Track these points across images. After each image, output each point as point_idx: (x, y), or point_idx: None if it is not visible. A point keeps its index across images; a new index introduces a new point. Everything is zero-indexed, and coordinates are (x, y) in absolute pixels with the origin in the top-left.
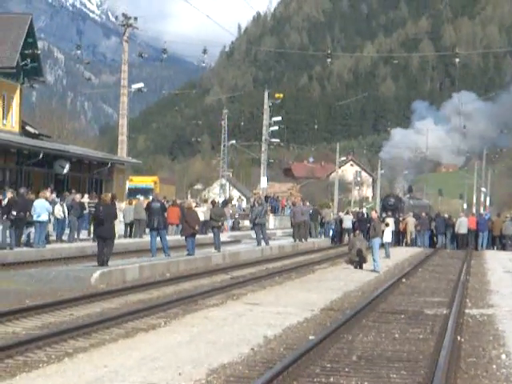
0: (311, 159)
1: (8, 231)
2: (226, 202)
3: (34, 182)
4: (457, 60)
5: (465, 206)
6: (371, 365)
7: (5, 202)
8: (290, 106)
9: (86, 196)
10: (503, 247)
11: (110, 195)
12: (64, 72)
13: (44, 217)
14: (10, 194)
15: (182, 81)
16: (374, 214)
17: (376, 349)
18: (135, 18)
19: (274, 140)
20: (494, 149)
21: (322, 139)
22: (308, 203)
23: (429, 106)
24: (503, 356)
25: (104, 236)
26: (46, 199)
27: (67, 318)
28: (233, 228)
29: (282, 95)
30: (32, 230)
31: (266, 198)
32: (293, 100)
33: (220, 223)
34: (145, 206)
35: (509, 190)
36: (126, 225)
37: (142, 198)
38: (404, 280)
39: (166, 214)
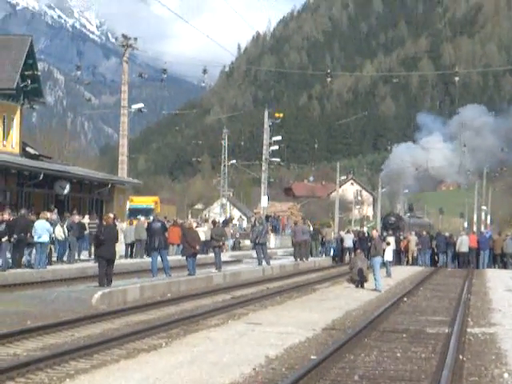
0: (311, 178)
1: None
2: (227, 222)
3: (35, 202)
4: (456, 78)
5: (465, 224)
6: None
7: (3, 223)
8: (290, 125)
9: (87, 217)
10: (504, 266)
11: (112, 216)
12: (64, 93)
13: (45, 238)
14: (6, 216)
15: (182, 101)
16: (374, 233)
17: (378, 368)
18: (135, 39)
19: (274, 159)
20: (500, 165)
21: (322, 158)
22: (309, 222)
23: (435, 119)
24: (505, 375)
25: (106, 256)
26: (47, 220)
27: (68, 339)
28: (234, 248)
29: (281, 114)
30: (33, 250)
31: (267, 217)
32: (293, 119)
33: (221, 243)
34: (145, 226)
35: (509, 209)
36: (127, 245)
37: (142, 218)
38: (405, 299)
39: (166, 234)
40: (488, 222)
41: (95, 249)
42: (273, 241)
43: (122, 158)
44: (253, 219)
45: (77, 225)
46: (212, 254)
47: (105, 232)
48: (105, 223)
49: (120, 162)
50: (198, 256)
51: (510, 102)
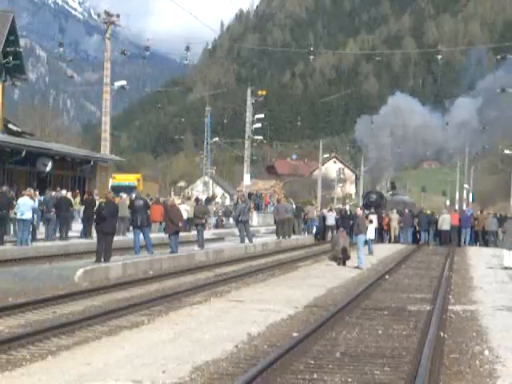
0: (294, 156)
1: None
2: (210, 200)
3: (17, 180)
4: (439, 57)
5: (448, 202)
6: (355, 361)
7: None
8: (273, 103)
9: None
10: (486, 243)
11: (112, 192)
12: (46, 70)
13: (28, 215)
14: None
15: (164, 78)
16: (358, 211)
17: (359, 345)
18: (117, 16)
19: (257, 137)
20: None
21: (305, 136)
22: (291, 200)
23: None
24: (486, 352)
25: (106, 231)
26: (31, 197)
27: (50, 316)
28: (216, 226)
29: (264, 92)
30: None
31: (250, 195)
32: (276, 97)
33: (204, 220)
34: (128, 203)
35: (491, 187)
36: None
37: (125, 195)
38: (387, 277)
39: (149, 212)
40: (470, 200)
41: (95, 224)
42: (255, 218)
43: (105, 136)
44: (235, 197)
45: (62, 200)
46: (195, 232)
47: (105, 208)
48: (105, 199)
49: (102, 140)
50: (181, 234)
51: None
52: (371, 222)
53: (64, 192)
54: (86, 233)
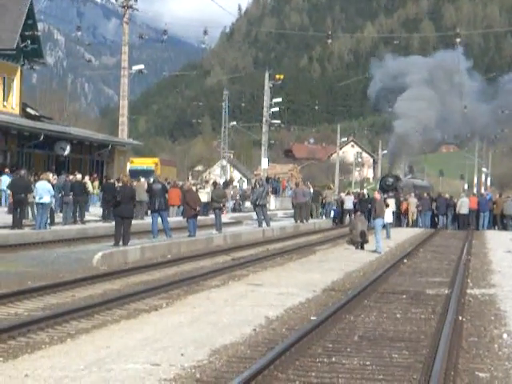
0: (312, 140)
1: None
2: (227, 184)
3: (35, 163)
4: (458, 40)
5: (466, 186)
6: (373, 345)
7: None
8: (291, 87)
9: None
10: (504, 227)
11: (128, 176)
12: (64, 54)
13: (46, 199)
14: None
15: (182, 62)
16: (377, 195)
17: (378, 329)
18: (135, 0)
19: (274, 121)
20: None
21: (322, 120)
22: (309, 184)
23: None
24: (505, 335)
25: (123, 215)
26: (49, 181)
27: (69, 299)
28: (234, 209)
29: (282, 76)
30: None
31: (267, 179)
32: (293, 81)
33: (221, 204)
34: (146, 187)
35: (510, 170)
36: None
37: (143, 179)
38: (405, 260)
39: (167, 196)
40: (488, 183)
41: (113, 208)
42: (273, 202)
43: (123, 120)
44: (253, 181)
45: (77, 184)
46: (212, 216)
47: (121, 191)
48: (122, 183)
49: (120, 124)
50: (199, 217)
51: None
52: (388, 205)
53: (79, 176)
54: (105, 216)
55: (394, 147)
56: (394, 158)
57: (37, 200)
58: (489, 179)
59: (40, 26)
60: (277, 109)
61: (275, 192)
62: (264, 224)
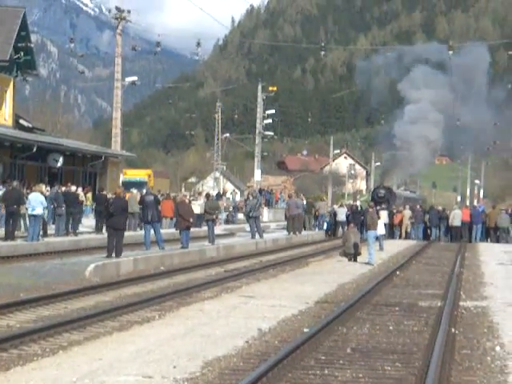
0: (305, 152)
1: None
2: (221, 195)
3: (28, 175)
4: (450, 52)
5: (459, 198)
6: (366, 357)
7: None
8: (284, 98)
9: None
10: (497, 239)
11: (122, 188)
12: (57, 65)
13: (38, 210)
14: None
15: (175, 74)
16: (370, 207)
17: (370, 341)
18: (128, 11)
19: (267, 133)
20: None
21: (315, 132)
22: (302, 196)
23: None
24: (497, 348)
25: (116, 227)
26: (41, 193)
27: (62, 311)
28: (227, 221)
29: (275, 88)
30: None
31: (260, 190)
32: (286, 93)
33: (214, 216)
34: (138, 199)
35: (502, 183)
36: None
37: (135, 191)
38: (398, 272)
39: (159, 207)
40: (481, 196)
41: (105, 220)
42: (266, 214)
43: (116, 131)
44: (246, 193)
45: (71, 195)
46: (205, 228)
47: (114, 203)
48: (115, 194)
49: (113, 135)
50: (192, 229)
51: (503, 75)
52: (379, 217)
53: (74, 188)
54: (98, 228)
55: (388, 164)
56: (387, 171)
57: (29, 212)
58: (482, 191)
59: (33, 37)
60: (270, 120)
61: (268, 204)
62: (257, 236)
